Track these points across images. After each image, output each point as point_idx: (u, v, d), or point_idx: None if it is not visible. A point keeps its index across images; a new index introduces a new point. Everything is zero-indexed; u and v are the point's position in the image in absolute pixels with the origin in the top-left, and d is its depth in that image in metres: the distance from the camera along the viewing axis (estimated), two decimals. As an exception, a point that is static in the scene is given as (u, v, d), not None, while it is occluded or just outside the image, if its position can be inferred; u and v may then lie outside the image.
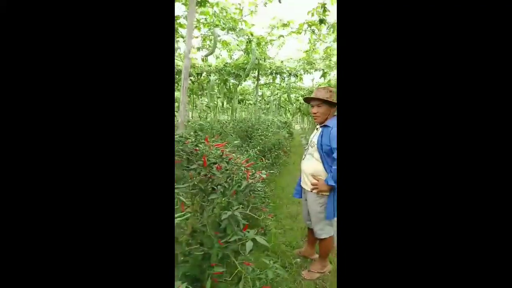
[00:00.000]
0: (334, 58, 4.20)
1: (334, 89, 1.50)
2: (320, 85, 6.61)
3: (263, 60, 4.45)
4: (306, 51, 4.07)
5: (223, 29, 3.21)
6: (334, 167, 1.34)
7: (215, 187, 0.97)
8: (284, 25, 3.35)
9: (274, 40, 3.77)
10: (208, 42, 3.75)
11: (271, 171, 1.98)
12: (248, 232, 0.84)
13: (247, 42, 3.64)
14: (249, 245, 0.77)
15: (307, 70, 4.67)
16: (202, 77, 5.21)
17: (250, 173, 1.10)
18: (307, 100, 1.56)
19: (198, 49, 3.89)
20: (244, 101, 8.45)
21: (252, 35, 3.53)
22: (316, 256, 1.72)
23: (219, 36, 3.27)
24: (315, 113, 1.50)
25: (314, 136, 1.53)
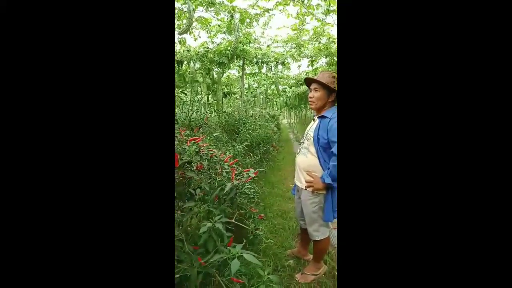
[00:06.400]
0: (324, 40, 3.88)
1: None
2: (307, 73, 6.35)
3: (248, 44, 4.01)
4: (294, 26, 3.62)
5: (201, 4, 2.85)
6: (332, 163, 1.19)
7: (193, 192, 0.79)
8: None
9: (259, 14, 3.33)
10: (184, 21, 3.25)
11: (260, 169, 1.82)
12: (234, 247, 0.68)
13: (229, 20, 3.23)
14: (234, 264, 0.61)
15: (295, 58, 4.31)
16: (183, 67, 4.53)
17: (236, 172, 0.93)
18: (308, 81, 1.39)
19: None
20: (230, 94, 8.00)
21: (234, 10, 3.12)
22: (310, 256, 1.61)
23: (193, 9, 2.81)
24: (311, 98, 1.35)
25: (311, 129, 1.37)
